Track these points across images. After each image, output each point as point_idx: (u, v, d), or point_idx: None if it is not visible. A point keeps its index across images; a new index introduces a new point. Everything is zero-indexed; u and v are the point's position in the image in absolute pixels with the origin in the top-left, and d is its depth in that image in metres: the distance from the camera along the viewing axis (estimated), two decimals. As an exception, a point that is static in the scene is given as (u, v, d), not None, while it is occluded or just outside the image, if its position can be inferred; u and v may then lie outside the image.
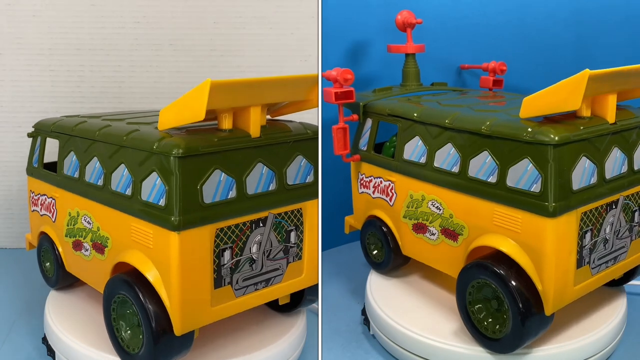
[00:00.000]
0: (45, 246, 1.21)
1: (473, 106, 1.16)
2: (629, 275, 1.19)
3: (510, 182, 1.00)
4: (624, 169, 1.06)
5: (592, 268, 1.04)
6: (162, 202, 0.91)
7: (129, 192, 0.97)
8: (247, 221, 0.98)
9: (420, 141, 1.16)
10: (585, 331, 1.09)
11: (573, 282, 1.01)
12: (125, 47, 1.55)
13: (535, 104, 0.99)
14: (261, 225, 1.00)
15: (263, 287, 1.03)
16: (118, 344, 0.99)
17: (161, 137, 0.92)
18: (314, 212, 1.08)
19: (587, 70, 0.92)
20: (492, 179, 1.02)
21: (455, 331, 1.10)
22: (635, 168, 1.08)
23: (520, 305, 0.98)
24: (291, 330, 1.13)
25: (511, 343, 1.01)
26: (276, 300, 1.10)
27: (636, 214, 1.10)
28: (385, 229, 1.26)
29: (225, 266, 0.96)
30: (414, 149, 1.17)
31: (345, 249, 1.59)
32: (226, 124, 0.97)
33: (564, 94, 0.96)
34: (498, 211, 1.02)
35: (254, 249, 1.00)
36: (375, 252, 1.31)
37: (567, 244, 0.99)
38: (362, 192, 1.32)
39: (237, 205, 0.96)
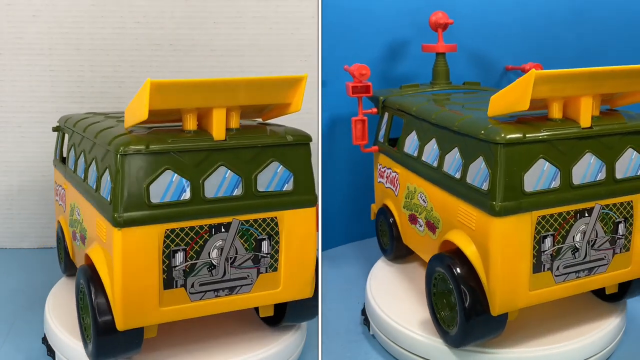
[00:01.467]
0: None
1: (469, 104, 1.17)
2: (625, 291, 1.13)
3: (469, 178, 1.02)
4: (601, 176, 1.02)
5: (556, 275, 1.02)
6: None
7: (458, 175, 1.05)
8: (205, 225, 0.96)
9: (415, 135, 1.20)
10: (585, 331, 1.09)
11: (528, 286, 1.00)
12: (125, 47, 1.55)
13: (497, 103, 1.02)
14: (223, 230, 0.97)
15: (226, 295, 0.99)
16: (437, 321, 1.08)
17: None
18: (295, 223, 1.01)
19: (534, 70, 0.93)
20: (458, 175, 1.05)
21: (455, 331, 1.10)
22: (618, 177, 1.03)
23: (466, 302, 0.99)
24: (291, 330, 1.13)
25: (458, 339, 1.03)
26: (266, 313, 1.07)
27: (620, 226, 1.05)
28: (391, 219, 1.32)
29: (177, 268, 0.95)
30: (411, 143, 1.22)
31: (345, 249, 1.59)
32: (190, 124, 0.97)
33: (516, 94, 0.97)
34: (460, 207, 1.05)
35: (214, 254, 0.98)
36: (383, 239, 1.38)
37: (517, 245, 0.98)
38: (379, 181, 1.38)
39: (191, 207, 0.95)
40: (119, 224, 0.91)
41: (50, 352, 1.11)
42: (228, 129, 0.98)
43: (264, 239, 1.00)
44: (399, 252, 1.33)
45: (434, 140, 1.13)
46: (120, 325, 0.93)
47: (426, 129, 1.16)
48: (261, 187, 0.99)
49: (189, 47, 1.56)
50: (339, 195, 1.56)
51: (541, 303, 1.04)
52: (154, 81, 0.86)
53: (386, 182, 1.34)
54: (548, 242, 1.01)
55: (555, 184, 1.00)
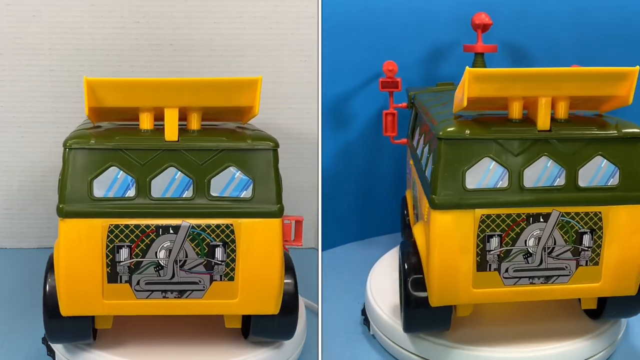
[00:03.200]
0: None
1: None
2: (604, 307, 1.09)
3: (427, 172, 1.06)
4: (560, 181, 1.00)
5: (505, 277, 1.02)
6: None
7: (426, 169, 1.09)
8: (151, 224, 0.96)
9: (418, 129, 1.24)
10: (585, 331, 1.09)
11: (471, 283, 1.01)
12: (125, 47, 1.55)
13: (454, 102, 1.04)
14: (171, 232, 0.97)
15: (175, 297, 0.98)
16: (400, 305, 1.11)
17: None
18: (254, 233, 0.97)
19: (468, 68, 0.94)
20: (426, 169, 1.09)
21: (455, 331, 1.10)
22: (582, 185, 1.00)
23: (408, 290, 1.04)
24: (291, 330, 1.13)
25: (405, 325, 1.07)
26: (246, 326, 1.05)
27: (585, 237, 1.02)
28: (406, 210, 1.38)
29: (121, 264, 0.96)
30: (416, 136, 1.26)
31: (345, 249, 1.59)
32: (146, 124, 0.98)
33: (460, 93, 0.99)
34: (423, 200, 1.09)
35: (162, 254, 0.97)
36: (403, 227, 1.45)
37: (457, 240, 0.99)
38: (407, 172, 1.42)
39: (136, 205, 0.96)
40: (61, 214, 0.94)
41: (50, 352, 1.11)
42: (187, 130, 0.98)
43: (218, 245, 0.97)
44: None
45: (423, 134, 1.17)
46: (63, 311, 0.96)
47: (423, 124, 1.20)
48: (215, 192, 0.97)
49: (189, 47, 1.56)
50: (338, 195, 1.56)
51: (489, 303, 1.06)
52: (96, 79, 0.92)
53: (410, 173, 1.38)
54: (494, 242, 1.01)
55: (503, 184, 1.00)
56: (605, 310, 1.08)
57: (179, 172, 0.96)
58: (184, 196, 0.97)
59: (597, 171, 1.00)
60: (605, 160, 1.00)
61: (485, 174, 0.99)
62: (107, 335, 1.07)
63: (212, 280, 0.98)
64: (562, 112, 1.01)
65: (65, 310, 0.97)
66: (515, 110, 1.02)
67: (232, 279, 0.98)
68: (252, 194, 0.97)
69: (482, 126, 1.01)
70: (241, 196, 0.97)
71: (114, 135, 0.97)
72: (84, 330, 1.00)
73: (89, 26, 1.54)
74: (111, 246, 0.96)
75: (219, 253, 0.97)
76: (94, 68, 1.55)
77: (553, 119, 1.01)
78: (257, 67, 1.58)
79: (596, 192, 1.00)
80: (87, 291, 0.96)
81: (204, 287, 0.98)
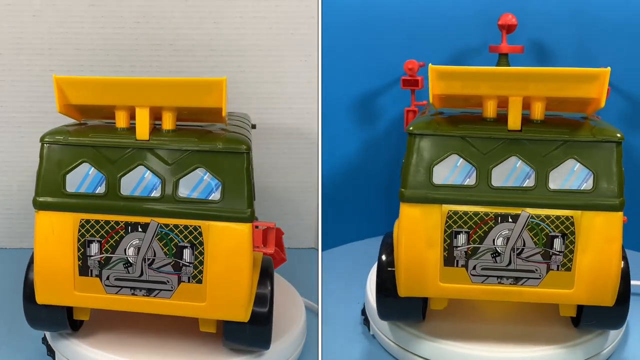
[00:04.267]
0: None
1: None
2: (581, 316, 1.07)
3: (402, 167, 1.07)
4: (529, 183, 1.00)
5: (473, 275, 1.02)
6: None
7: None
8: (121, 221, 0.97)
9: None
10: (585, 331, 1.09)
11: (438, 277, 1.02)
12: (125, 47, 1.55)
13: None
14: (140, 230, 0.97)
15: (143, 295, 0.99)
16: None
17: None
18: (223, 237, 0.96)
19: (431, 65, 0.96)
20: None
21: (455, 331, 1.10)
22: (553, 187, 1.00)
23: (380, 279, 1.07)
24: (291, 330, 1.13)
25: (378, 312, 1.10)
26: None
27: (556, 241, 1.01)
28: None
29: (92, 258, 0.98)
30: None
31: (345, 249, 1.59)
32: (121, 122, 0.99)
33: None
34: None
35: (131, 252, 0.98)
36: None
37: (424, 234, 1.01)
38: None
39: (106, 201, 0.97)
40: (36, 206, 0.98)
41: (50, 352, 1.11)
42: (160, 130, 0.99)
43: (186, 247, 0.97)
44: None
45: None
46: (38, 299, 1.01)
47: None
48: (183, 193, 0.97)
49: (189, 47, 1.56)
50: (338, 195, 1.57)
51: (458, 298, 1.06)
52: (60, 77, 0.96)
53: None
54: (461, 238, 1.02)
55: (470, 181, 1.00)
56: (582, 319, 1.06)
57: (148, 171, 0.97)
58: (152, 195, 0.97)
59: (570, 174, 0.99)
60: (579, 163, 0.98)
61: (453, 170, 1.00)
62: (107, 335, 1.07)
63: (180, 281, 0.98)
64: (537, 113, 1.01)
65: (40, 298, 1.01)
66: (489, 109, 1.02)
67: (200, 281, 0.98)
68: (221, 197, 0.96)
69: (453, 123, 1.02)
70: (209, 198, 0.96)
71: (88, 132, 0.99)
72: (59, 319, 1.03)
73: (89, 26, 1.54)
74: (82, 240, 0.98)
75: (187, 254, 0.97)
76: (94, 68, 1.55)
77: (528, 120, 1.01)
78: (257, 67, 1.58)
79: (568, 195, 0.99)
80: (59, 282, 0.99)
81: (172, 287, 0.98)
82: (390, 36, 1.55)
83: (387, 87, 1.54)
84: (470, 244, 1.01)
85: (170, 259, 0.98)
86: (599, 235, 0.99)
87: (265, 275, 1.02)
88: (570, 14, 1.53)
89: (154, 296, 0.99)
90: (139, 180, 0.97)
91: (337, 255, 1.55)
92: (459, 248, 1.02)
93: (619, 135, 0.99)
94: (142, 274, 0.99)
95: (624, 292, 1.02)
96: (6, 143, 1.58)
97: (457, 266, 1.02)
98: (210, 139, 0.97)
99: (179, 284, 0.98)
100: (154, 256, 0.98)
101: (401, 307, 1.08)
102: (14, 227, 1.62)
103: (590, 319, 1.05)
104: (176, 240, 0.97)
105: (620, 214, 0.99)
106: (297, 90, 1.60)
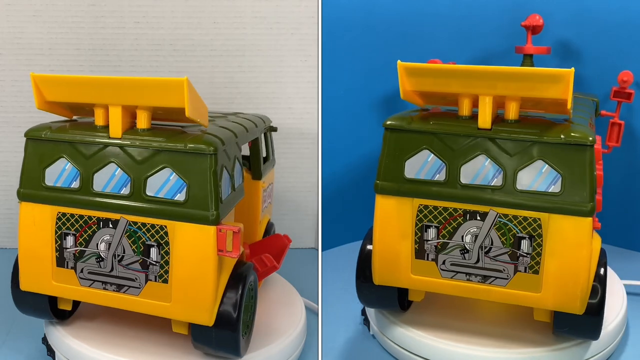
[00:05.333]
0: None
1: None
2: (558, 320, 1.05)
3: None
4: (497, 182, 0.99)
5: (442, 269, 1.03)
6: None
7: None
8: (93, 216, 0.99)
9: None
10: (555, 342, 1.09)
11: (410, 269, 1.04)
12: (125, 47, 1.55)
13: None
14: (110, 226, 0.98)
15: (114, 290, 1.00)
16: None
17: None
18: (187, 238, 0.95)
19: (399, 61, 0.97)
20: None
21: (455, 331, 1.10)
22: (519, 187, 0.98)
23: (359, 266, 1.10)
24: (291, 330, 1.13)
25: (358, 297, 1.13)
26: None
27: (524, 242, 1.00)
28: None
29: (68, 250, 1.01)
30: None
31: (345, 248, 1.58)
32: (100, 120, 1.00)
33: None
34: None
35: (102, 247, 1.00)
36: None
37: (396, 226, 1.04)
38: None
39: (79, 196, 0.99)
40: (19, 197, 1.03)
41: (50, 352, 1.11)
42: (135, 128, 0.99)
43: (153, 245, 0.97)
44: None
45: None
46: (21, 285, 1.05)
47: None
48: (150, 192, 0.97)
49: (189, 47, 1.56)
50: (338, 195, 1.57)
51: (428, 291, 1.08)
52: (39, 75, 0.98)
53: None
54: (431, 232, 1.03)
55: (440, 177, 1.01)
56: (554, 325, 1.05)
57: (119, 169, 0.98)
58: (121, 193, 0.98)
59: (538, 176, 0.98)
60: (547, 165, 0.97)
61: (424, 165, 1.02)
62: (107, 335, 1.07)
63: (147, 279, 0.99)
64: (511, 112, 1.00)
65: (22, 285, 1.05)
66: (464, 107, 1.02)
67: (166, 281, 0.98)
68: (186, 198, 0.95)
69: (427, 119, 1.03)
70: (174, 199, 0.96)
71: (68, 129, 1.01)
72: (42, 307, 1.07)
73: (89, 26, 1.54)
74: (59, 232, 1.01)
75: (153, 253, 0.98)
76: (94, 68, 1.55)
77: (502, 119, 1.01)
78: (257, 67, 1.58)
79: (535, 197, 0.97)
80: (39, 271, 1.03)
81: (140, 285, 0.99)
82: (390, 36, 1.55)
83: (387, 87, 1.53)
84: (440, 239, 1.03)
85: (138, 257, 0.98)
86: (567, 240, 0.97)
87: (239, 280, 0.99)
88: (598, 15, 1.52)
89: (124, 292, 1.00)
90: (110, 177, 0.98)
91: (337, 255, 1.55)
92: (429, 242, 1.03)
93: (590, 138, 0.95)
94: (112, 269, 1.00)
95: (599, 302, 1.00)
96: (6, 143, 1.58)
97: (427, 259, 1.04)
98: (178, 139, 0.96)
99: (146, 282, 0.99)
100: (124, 253, 0.99)
101: (377, 294, 1.11)
102: (14, 227, 1.61)
103: (562, 326, 1.03)
104: (144, 239, 0.97)
105: (590, 219, 0.96)
106: (297, 90, 1.60)
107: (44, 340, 1.14)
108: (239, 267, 1.01)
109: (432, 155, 1.01)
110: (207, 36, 1.56)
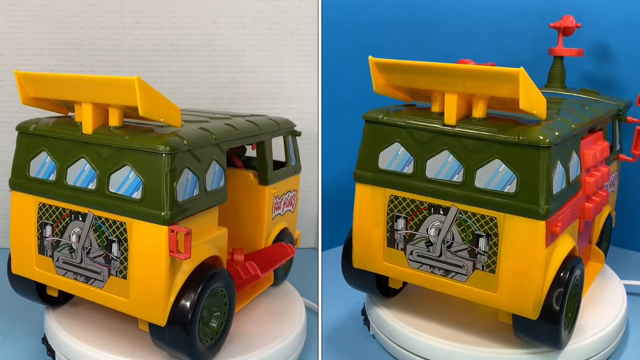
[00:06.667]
0: None
1: None
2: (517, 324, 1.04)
3: None
4: (458, 178, 1.00)
5: (410, 260, 1.07)
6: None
7: None
8: (66, 208, 1.03)
9: None
10: (585, 331, 1.09)
11: (382, 256, 1.09)
12: (125, 47, 1.55)
13: None
14: (80, 219, 1.01)
15: (82, 282, 1.03)
16: None
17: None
18: (143, 236, 0.96)
19: (371, 57, 1.01)
20: None
21: (455, 331, 1.10)
22: (478, 185, 0.98)
23: (345, 248, 1.16)
24: (291, 330, 1.13)
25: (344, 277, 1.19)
26: None
27: (481, 240, 1.00)
28: None
29: (47, 239, 1.06)
30: None
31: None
32: (79, 116, 1.03)
33: None
34: None
35: (74, 238, 1.02)
36: None
37: (371, 213, 1.09)
38: None
39: (54, 188, 1.03)
40: (9, 185, 1.08)
41: (50, 352, 1.11)
42: (106, 126, 1.00)
43: (114, 241, 0.98)
44: None
45: None
46: (12, 269, 1.11)
47: None
48: (112, 188, 0.98)
49: (189, 47, 1.56)
50: (338, 195, 1.56)
51: (398, 279, 1.12)
52: (21, 72, 1.04)
53: None
54: (399, 223, 1.06)
55: (409, 170, 1.04)
56: (514, 328, 1.04)
57: (88, 164, 1.00)
58: (89, 187, 1.00)
59: (495, 175, 0.97)
60: (504, 165, 0.96)
61: (395, 157, 1.05)
62: (107, 335, 1.07)
63: (110, 273, 1.00)
64: (478, 110, 1.00)
65: (13, 268, 1.11)
66: (436, 104, 1.04)
67: (125, 277, 0.99)
68: (142, 196, 0.96)
69: (401, 113, 1.06)
70: (132, 196, 0.96)
71: (50, 124, 1.05)
72: (30, 291, 1.12)
73: (89, 26, 1.54)
74: (40, 222, 1.06)
75: (114, 248, 0.99)
76: (94, 68, 1.55)
77: (469, 117, 1.01)
78: (257, 67, 1.58)
79: (492, 196, 0.97)
80: (25, 257, 1.08)
81: (103, 278, 1.01)
82: (390, 36, 1.55)
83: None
84: (408, 230, 1.06)
85: (102, 251, 1.00)
86: (521, 241, 0.96)
87: (198, 282, 0.98)
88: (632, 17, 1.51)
89: (90, 284, 1.02)
90: (80, 172, 1.01)
91: (337, 255, 1.55)
92: (399, 232, 1.07)
93: (547, 140, 0.94)
94: (81, 261, 1.02)
95: (558, 310, 0.98)
96: (6, 143, 1.58)
97: (397, 248, 1.08)
98: (139, 138, 0.97)
99: (108, 277, 1.00)
100: (90, 246, 1.01)
101: (357, 277, 1.16)
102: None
103: (521, 330, 1.03)
104: (107, 233, 0.99)
105: (543, 223, 0.95)
106: (297, 90, 1.60)
107: (44, 340, 1.14)
108: (209, 270, 1.00)
109: (402, 148, 1.05)
110: (207, 36, 1.56)
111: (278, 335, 1.10)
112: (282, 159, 1.30)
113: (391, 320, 1.14)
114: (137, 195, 0.96)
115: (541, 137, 0.94)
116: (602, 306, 1.17)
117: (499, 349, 1.05)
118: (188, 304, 0.96)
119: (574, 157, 1.04)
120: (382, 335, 1.16)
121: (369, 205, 1.09)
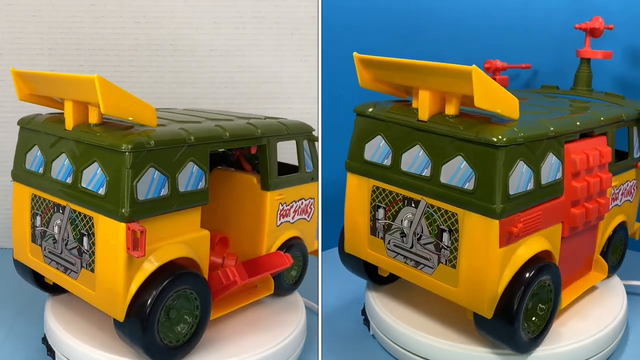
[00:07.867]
0: None
1: (530, 107, 1.19)
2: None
3: None
4: (427, 172, 1.02)
5: (388, 249, 1.10)
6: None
7: None
8: (51, 200, 1.07)
9: None
10: (585, 331, 1.09)
11: (367, 243, 1.14)
12: (125, 47, 1.55)
13: None
14: (60, 211, 1.05)
15: (62, 272, 1.07)
16: None
17: None
18: (105, 231, 0.97)
19: (355, 53, 1.05)
20: None
21: (455, 331, 1.10)
22: (443, 181, 1.00)
23: (341, 234, 1.20)
24: (291, 330, 1.13)
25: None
26: None
27: (445, 235, 1.01)
28: None
29: (37, 228, 1.10)
30: None
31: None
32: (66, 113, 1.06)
33: None
34: None
35: (55, 229, 1.07)
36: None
37: (357, 201, 1.14)
38: None
39: (41, 181, 1.08)
40: (12, 176, 1.15)
41: (50, 352, 1.11)
42: (87, 123, 1.02)
43: (85, 234, 1.01)
44: None
45: None
46: (14, 254, 1.17)
47: None
48: (84, 183, 1.00)
49: (189, 47, 1.56)
50: (339, 195, 1.56)
51: (379, 267, 1.16)
52: (17, 70, 1.08)
53: None
54: (380, 213, 1.10)
55: (387, 162, 1.08)
56: (475, 325, 1.04)
57: (67, 159, 1.03)
58: (66, 181, 1.03)
59: (457, 171, 0.99)
60: (465, 162, 0.97)
61: (377, 149, 1.09)
62: (107, 335, 1.07)
63: (81, 266, 1.02)
64: (451, 107, 1.01)
65: (14, 255, 1.17)
66: (415, 99, 1.06)
67: (93, 270, 1.00)
68: (106, 192, 0.97)
69: (386, 108, 1.09)
70: (98, 192, 0.98)
71: (43, 120, 1.11)
72: (28, 276, 1.18)
73: (89, 26, 1.54)
74: (32, 212, 1.11)
75: (85, 242, 1.01)
76: (94, 68, 1.55)
77: (441, 113, 1.03)
78: (257, 67, 1.58)
79: (453, 191, 0.99)
80: (21, 244, 1.14)
81: (77, 270, 1.03)
82: (390, 36, 1.55)
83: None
84: (386, 220, 1.09)
85: (76, 244, 1.03)
86: (477, 239, 0.97)
87: (161, 281, 0.97)
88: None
89: (68, 274, 1.05)
90: (61, 166, 1.04)
91: (337, 255, 1.55)
92: (379, 221, 1.10)
93: (504, 139, 0.94)
94: (62, 251, 1.06)
95: (515, 311, 0.97)
96: (6, 143, 1.58)
97: (378, 237, 1.11)
98: (107, 136, 0.98)
99: (80, 269, 1.03)
100: (68, 237, 1.04)
101: (348, 261, 1.22)
102: (14, 227, 1.62)
103: (480, 328, 1.03)
104: (79, 227, 1.02)
105: (497, 222, 0.95)
106: (297, 90, 1.60)
107: (44, 340, 1.14)
108: (176, 270, 1.00)
109: (383, 141, 1.08)
110: (207, 36, 1.56)
111: (278, 335, 1.10)
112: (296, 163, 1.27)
113: (391, 320, 1.14)
114: (102, 191, 0.97)
115: (498, 137, 0.94)
116: (602, 306, 1.17)
117: (499, 349, 1.05)
118: (148, 299, 0.96)
119: (551, 159, 1.02)
120: (382, 335, 1.16)
121: (357, 194, 1.14)
